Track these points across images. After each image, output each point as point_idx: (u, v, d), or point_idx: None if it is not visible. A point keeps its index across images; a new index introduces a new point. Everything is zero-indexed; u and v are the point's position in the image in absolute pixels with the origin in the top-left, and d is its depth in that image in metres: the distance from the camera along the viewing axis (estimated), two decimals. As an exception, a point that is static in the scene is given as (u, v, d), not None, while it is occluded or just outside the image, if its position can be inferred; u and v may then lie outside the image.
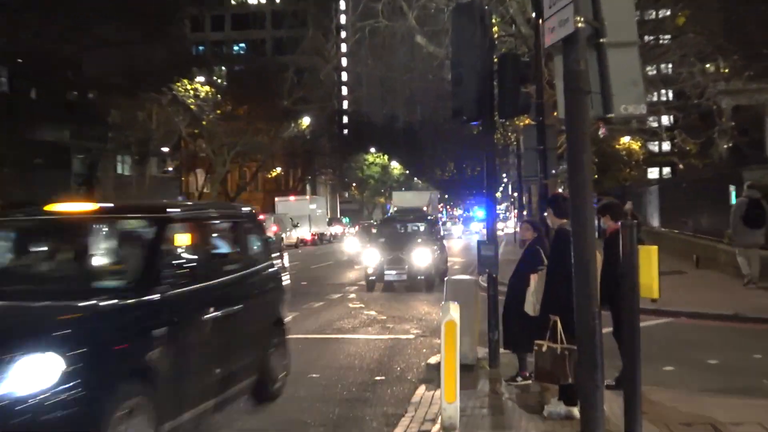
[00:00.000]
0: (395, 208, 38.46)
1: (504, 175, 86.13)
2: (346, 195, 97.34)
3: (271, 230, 46.31)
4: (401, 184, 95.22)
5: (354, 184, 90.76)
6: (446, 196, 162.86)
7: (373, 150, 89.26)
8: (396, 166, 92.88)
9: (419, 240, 20.30)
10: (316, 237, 54.97)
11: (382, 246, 19.86)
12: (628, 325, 5.67)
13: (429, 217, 23.89)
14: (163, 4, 43.06)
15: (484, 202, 9.83)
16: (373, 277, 19.37)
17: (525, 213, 37.35)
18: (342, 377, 9.42)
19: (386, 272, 19.21)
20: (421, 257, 19.26)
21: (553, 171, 15.96)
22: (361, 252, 22.64)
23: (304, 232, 52.59)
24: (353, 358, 10.77)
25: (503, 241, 53.11)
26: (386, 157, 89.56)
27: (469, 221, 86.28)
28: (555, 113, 20.74)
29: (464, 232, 71.68)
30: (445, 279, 9.81)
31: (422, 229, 21.46)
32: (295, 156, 67.88)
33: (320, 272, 26.86)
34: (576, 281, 5.45)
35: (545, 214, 7.74)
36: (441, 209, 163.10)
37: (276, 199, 57.00)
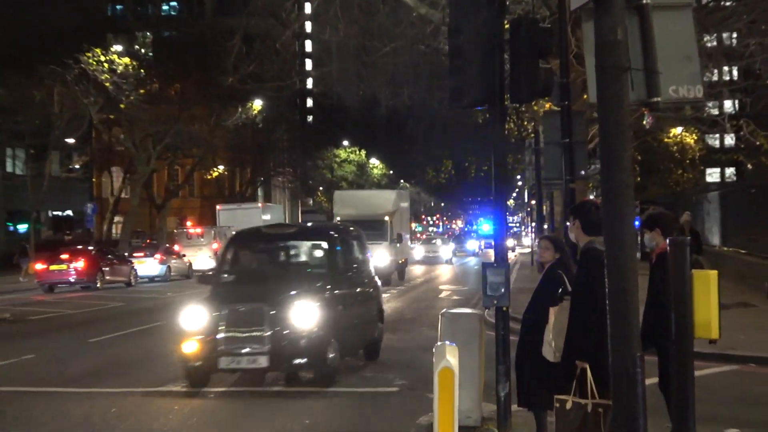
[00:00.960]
0: (338, 218, 35.84)
1: (518, 177, 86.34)
2: (311, 202, 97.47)
3: (212, 248, 46.26)
4: (381, 188, 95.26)
5: (321, 189, 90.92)
6: (442, 205, 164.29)
7: (346, 143, 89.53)
8: (376, 165, 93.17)
9: (304, 279, 13.27)
10: None
11: (223, 295, 12.93)
12: (679, 374, 5.70)
13: (350, 234, 15.41)
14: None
15: (492, 213, 9.85)
16: (197, 364, 12.36)
17: (545, 227, 37.57)
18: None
19: (221, 353, 12.16)
20: (301, 316, 12.33)
21: (582, 172, 16.06)
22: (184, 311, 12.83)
23: None
24: (318, 419, 10.75)
25: (517, 264, 53.34)
26: (363, 152, 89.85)
27: (465, 238, 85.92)
28: (585, 96, 20.88)
29: (456, 254, 70.90)
30: (441, 313, 9.82)
31: (319, 254, 14.29)
32: (244, 151, 67.88)
33: None
34: (611, 317, 5.48)
35: (569, 227, 7.78)
36: (425, 219, 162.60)
37: (218, 207, 56.85)
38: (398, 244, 35.45)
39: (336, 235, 14.51)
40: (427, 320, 22.23)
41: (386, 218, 35.32)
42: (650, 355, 6.96)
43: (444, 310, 10.01)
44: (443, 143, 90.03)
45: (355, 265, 14.93)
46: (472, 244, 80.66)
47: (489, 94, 8.94)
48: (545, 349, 7.67)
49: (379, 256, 30.83)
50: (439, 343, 7.18)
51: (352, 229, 15.84)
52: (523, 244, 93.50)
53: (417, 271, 47.76)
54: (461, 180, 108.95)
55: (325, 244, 14.19)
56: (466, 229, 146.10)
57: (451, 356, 6.79)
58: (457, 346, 7.06)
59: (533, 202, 55.57)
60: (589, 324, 6.73)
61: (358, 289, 14.72)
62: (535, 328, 8.03)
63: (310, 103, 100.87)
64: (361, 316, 14.48)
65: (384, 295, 24.75)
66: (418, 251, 61.58)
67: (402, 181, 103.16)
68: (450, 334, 9.16)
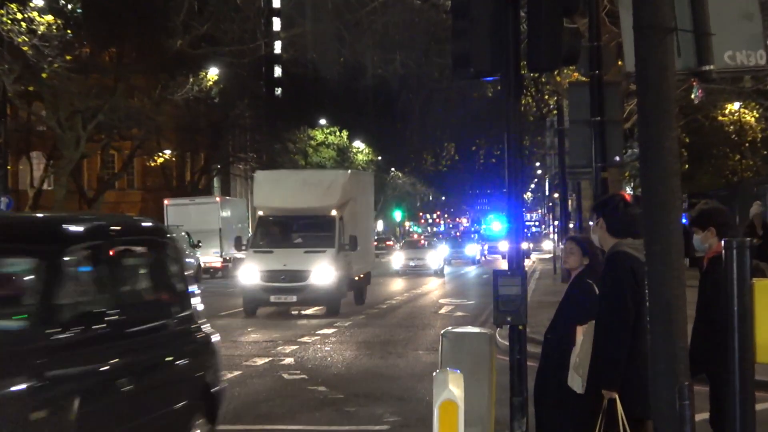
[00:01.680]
0: (260, 212, 31.08)
1: (537, 164, 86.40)
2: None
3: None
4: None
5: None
6: (443, 199, 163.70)
7: (323, 122, 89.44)
8: (361, 149, 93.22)
9: None
10: (229, 262, 55.13)
11: None
12: (736, 408, 5.72)
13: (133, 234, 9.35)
14: None
15: (504, 209, 9.88)
16: None
17: (571, 226, 37.60)
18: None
19: None
20: None
21: (617, 158, 16.15)
22: None
23: (210, 254, 53.52)
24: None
25: (535, 272, 53.16)
26: (345, 134, 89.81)
27: (463, 240, 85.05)
28: (620, 63, 20.90)
29: (451, 262, 69.59)
30: (442, 333, 9.85)
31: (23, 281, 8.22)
32: (196, 132, 67.76)
33: (235, 322, 27.17)
34: (653, 338, 5.50)
35: (592, 228, 7.80)
36: (423, 218, 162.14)
37: (166, 202, 56.88)
38: (352, 252, 29.91)
39: (69, 239, 7.94)
40: (424, 342, 22.25)
41: (333, 213, 29.90)
42: (700, 384, 7.00)
43: (446, 329, 10.03)
44: (445, 122, 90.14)
45: (139, 305, 8.90)
46: (471, 249, 78.56)
47: (501, 62, 8.95)
48: (571, 378, 7.68)
49: (319, 273, 28.61)
50: (439, 370, 7.19)
51: (148, 225, 9.83)
52: (542, 248, 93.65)
53: (393, 287, 44.81)
54: (467, 168, 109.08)
55: (31, 261, 7.82)
56: (473, 228, 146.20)
57: (454, 386, 6.81)
58: (462, 373, 7.08)
59: (556, 195, 55.59)
60: (617, 346, 6.77)
61: (141, 359, 8.14)
62: (559, 351, 8.04)
63: (278, 72, 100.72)
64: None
65: (329, 330, 24.71)
66: (397, 259, 59.35)
67: (393, 169, 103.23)
68: (453, 358, 9.19)
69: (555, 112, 36.97)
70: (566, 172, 33.24)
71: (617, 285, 6.76)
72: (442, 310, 30.79)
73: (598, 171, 15.50)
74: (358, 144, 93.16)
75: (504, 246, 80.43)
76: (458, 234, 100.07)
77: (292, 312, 30.17)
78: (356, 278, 31.48)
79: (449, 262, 68.49)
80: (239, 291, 30.39)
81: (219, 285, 45.36)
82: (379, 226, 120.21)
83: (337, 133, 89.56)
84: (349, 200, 31.09)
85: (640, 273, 6.60)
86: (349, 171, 38.24)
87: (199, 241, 51.72)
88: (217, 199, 61.01)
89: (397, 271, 56.17)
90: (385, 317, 28.98)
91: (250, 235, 54.27)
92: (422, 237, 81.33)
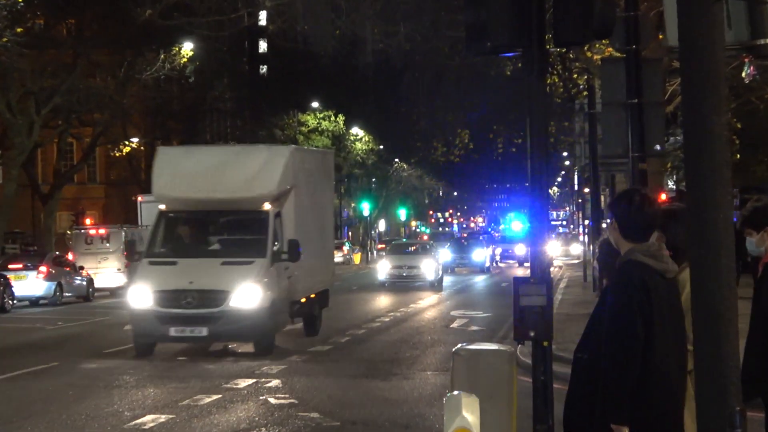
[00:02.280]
0: (162, 205, 25.94)
1: (564, 154, 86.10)
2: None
3: (122, 257, 46.17)
4: (367, 171, 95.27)
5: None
6: (455, 194, 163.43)
7: (316, 106, 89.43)
8: (359, 136, 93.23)
9: None
10: None
11: None
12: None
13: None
14: None
15: (526, 206, 9.89)
16: None
17: (604, 226, 37.56)
18: None
19: None
20: None
21: (657, 146, 16.13)
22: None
23: None
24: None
25: (563, 279, 53.05)
26: (341, 118, 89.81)
27: (471, 243, 78.57)
28: (660, 36, 20.89)
29: (451, 272, 66.36)
30: (455, 350, 9.85)
31: None
32: (168, 116, 67.84)
33: (115, 366, 26.25)
34: (698, 357, 5.50)
35: (608, 229, 7.79)
36: (433, 216, 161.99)
37: (139, 198, 57.21)
38: (295, 264, 24.85)
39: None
40: (433, 360, 22.34)
41: (266, 207, 24.87)
42: (755, 411, 6.99)
43: (459, 345, 10.04)
44: (457, 106, 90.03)
45: None
46: (480, 254, 72.98)
47: (522, 35, 8.95)
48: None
49: (242, 294, 23.42)
50: (451, 393, 7.20)
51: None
52: (570, 252, 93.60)
53: (368, 306, 40.30)
54: (483, 159, 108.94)
55: None
56: (489, 229, 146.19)
57: (468, 412, 6.81)
58: (478, 397, 7.08)
59: (586, 190, 55.56)
60: (623, 376, 6.78)
61: None
62: (591, 372, 8.04)
63: (263, 47, 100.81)
64: None
65: (245, 381, 19.20)
66: (382, 268, 53.71)
67: (397, 160, 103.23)
68: (467, 380, 9.20)
69: (585, 93, 36.91)
70: (598, 163, 33.27)
71: (624, 304, 6.74)
72: (455, 324, 30.80)
73: (636, 161, 15.48)
74: (356, 131, 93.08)
75: (520, 249, 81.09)
76: (464, 236, 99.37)
77: (210, 350, 24.85)
78: (302, 300, 26.45)
79: (452, 269, 68.08)
80: (126, 319, 25.41)
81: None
82: (381, 226, 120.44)
83: (332, 118, 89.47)
84: (292, 189, 25.87)
85: (655, 286, 6.62)
86: (292, 147, 32.67)
87: None
88: None
89: (382, 283, 51.74)
90: (345, 355, 24.13)
91: None
92: (417, 242, 66.66)
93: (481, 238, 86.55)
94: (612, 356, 6.95)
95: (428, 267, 52.18)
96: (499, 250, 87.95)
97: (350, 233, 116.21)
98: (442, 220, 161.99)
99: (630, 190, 7.58)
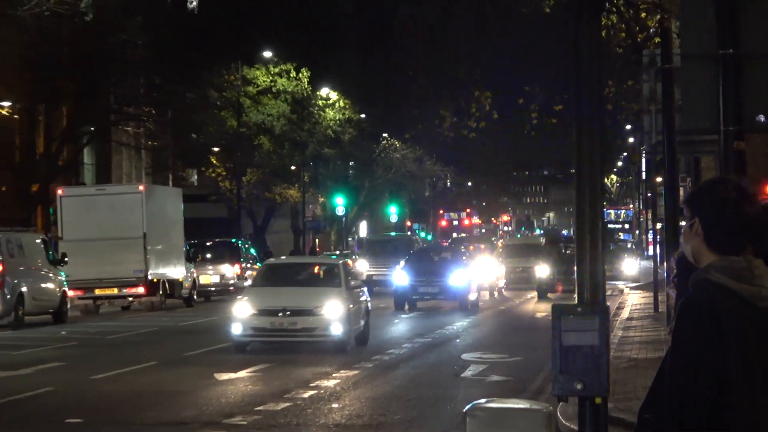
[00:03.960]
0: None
1: (628, 127, 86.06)
2: (194, 178, 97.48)
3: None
4: (343, 151, 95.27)
5: (216, 150, 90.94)
6: (469, 185, 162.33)
7: (269, 56, 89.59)
8: (330, 99, 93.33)
9: None
10: (167, 288, 59.26)
11: None
12: None
13: None
14: None
15: (572, 202, 9.99)
16: None
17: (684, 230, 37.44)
18: None
19: None
20: None
21: (762, 117, 16.24)
22: None
23: (128, 273, 57.22)
24: None
25: (625, 307, 52.98)
26: (305, 74, 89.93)
27: (443, 260, 69.24)
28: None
29: (411, 304, 61.28)
30: (467, 410, 9.96)
31: None
32: (54, 71, 67.89)
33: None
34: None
35: (683, 233, 7.71)
36: (445, 216, 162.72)
37: (59, 191, 58.70)
38: None
39: None
40: (437, 424, 22.57)
41: None
42: None
43: (474, 403, 10.14)
44: (473, 57, 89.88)
45: None
46: (459, 277, 63.06)
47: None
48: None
49: None
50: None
51: None
52: (632, 270, 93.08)
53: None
54: (509, 134, 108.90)
55: None
56: (521, 229, 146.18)
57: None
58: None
59: (659, 179, 55.52)
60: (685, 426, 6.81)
61: None
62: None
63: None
64: None
65: None
66: (240, 314, 38.95)
67: (386, 135, 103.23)
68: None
69: (658, 39, 37.10)
70: (676, 141, 33.37)
71: (686, 343, 6.68)
72: (468, 372, 30.96)
73: (730, 138, 15.57)
74: (328, 92, 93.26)
75: (543, 270, 77.41)
76: (445, 243, 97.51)
77: None
78: None
79: (411, 303, 61.08)
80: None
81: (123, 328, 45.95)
82: (363, 229, 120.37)
83: (293, 74, 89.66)
84: None
85: (734, 318, 6.47)
86: None
87: (63, 260, 53.03)
88: (141, 187, 62.25)
89: (239, 345, 39.39)
90: (310, 419, 24.38)
91: (187, 248, 55.80)
92: (312, 260, 61.15)
93: (463, 249, 79.88)
94: (670, 414, 6.97)
95: (331, 309, 39.45)
96: (505, 268, 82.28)
97: (317, 240, 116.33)
98: (456, 221, 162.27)
99: (719, 180, 7.44)
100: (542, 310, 53.54)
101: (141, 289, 57.69)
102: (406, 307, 59.23)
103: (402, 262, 67.45)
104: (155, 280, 58.64)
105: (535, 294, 72.71)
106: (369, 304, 44.23)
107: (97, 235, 56.11)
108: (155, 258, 59.32)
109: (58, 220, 58.08)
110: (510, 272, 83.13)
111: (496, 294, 76.11)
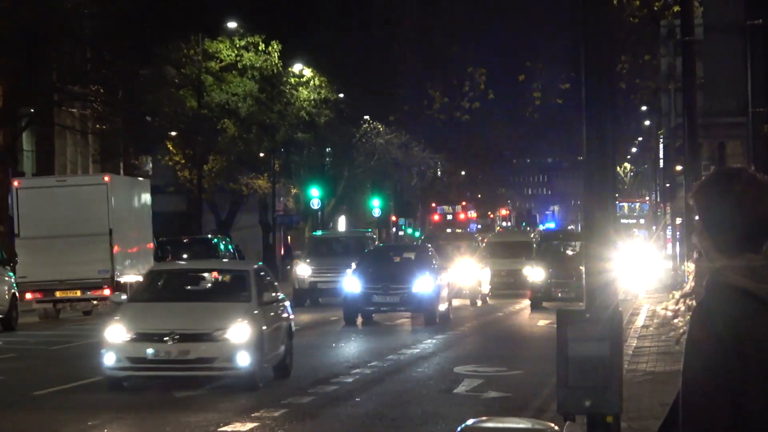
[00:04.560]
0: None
1: (643, 109, 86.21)
2: (148, 166, 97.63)
3: None
4: (318, 136, 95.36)
5: (173, 134, 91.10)
6: (462, 174, 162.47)
7: (234, 26, 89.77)
8: (304, 76, 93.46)
9: None
10: (124, 290, 58.46)
11: None
12: None
13: None
14: None
15: (580, 194, 10.02)
16: None
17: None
18: None
19: None
20: None
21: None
22: None
23: (92, 274, 57.84)
24: None
25: (639, 314, 52.98)
26: (276, 47, 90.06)
27: (407, 260, 66.65)
28: None
29: (365, 316, 58.72)
30: (460, 429, 9.99)
31: None
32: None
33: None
34: None
35: (696, 231, 7.68)
36: (438, 210, 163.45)
37: (15, 183, 59.12)
38: None
39: None
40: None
41: None
42: None
43: (469, 422, 10.20)
44: (467, 28, 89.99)
45: None
46: (424, 283, 59.07)
47: None
48: None
49: None
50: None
51: None
52: (656, 265, 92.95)
53: (323, 358, 41.71)
54: (508, 117, 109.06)
55: None
56: (522, 225, 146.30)
57: None
58: None
59: (678, 168, 55.61)
60: None
61: None
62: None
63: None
64: None
65: None
66: (112, 335, 33.95)
67: (367, 118, 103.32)
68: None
69: (677, 8, 37.22)
70: (698, 123, 33.47)
71: (699, 352, 6.67)
72: (461, 387, 30.97)
73: (758, 121, 15.63)
74: (301, 68, 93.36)
75: (536, 273, 74.08)
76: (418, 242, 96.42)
77: None
78: None
79: (365, 316, 58.89)
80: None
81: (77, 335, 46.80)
82: (341, 225, 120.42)
83: (261, 47, 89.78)
84: None
85: (751, 322, 6.38)
86: None
87: (13, 259, 53.61)
88: (106, 178, 62.47)
89: (108, 372, 34.32)
90: None
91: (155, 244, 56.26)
92: (208, 264, 54.52)
93: (429, 248, 73.13)
94: (687, 425, 6.99)
95: (239, 334, 34.27)
96: (493, 269, 79.87)
97: (289, 237, 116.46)
98: (450, 216, 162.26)
99: (727, 171, 7.19)
100: (539, 321, 53.44)
101: (107, 291, 56.98)
102: (359, 320, 56.68)
103: (353, 265, 63.17)
104: (122, 281, 58.58)
105: (525, 302, 70.29)
106: (292, 324, 39.04)
107: (58, 232, 56.61)
108: (122, 257, 59.73)
109: (14, 214, 58.68)
110: (494, 275, 79.42)
111: (479, 302, 73.11)
